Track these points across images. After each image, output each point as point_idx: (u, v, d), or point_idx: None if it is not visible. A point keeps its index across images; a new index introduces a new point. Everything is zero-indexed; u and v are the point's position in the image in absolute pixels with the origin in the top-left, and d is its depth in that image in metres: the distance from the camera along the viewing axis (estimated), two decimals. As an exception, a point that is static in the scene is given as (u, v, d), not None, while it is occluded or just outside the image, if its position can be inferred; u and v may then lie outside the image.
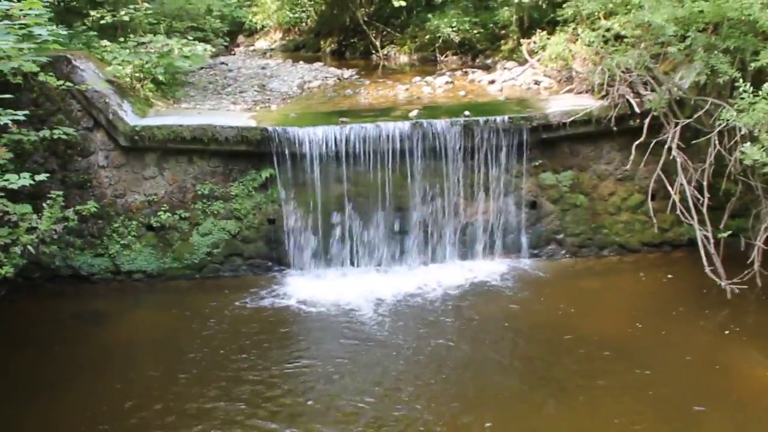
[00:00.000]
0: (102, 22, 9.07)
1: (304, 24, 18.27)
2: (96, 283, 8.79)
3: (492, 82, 10.96)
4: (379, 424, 5.87)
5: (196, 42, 9.09)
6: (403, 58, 14.66)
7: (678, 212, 8.04)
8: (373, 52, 15.18)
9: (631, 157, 8.33)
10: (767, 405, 6.01)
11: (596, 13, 9.04)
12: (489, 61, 12.81)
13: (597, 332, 7.28)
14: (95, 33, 9.19)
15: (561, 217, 9.03)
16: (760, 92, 6.86)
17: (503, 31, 12.50)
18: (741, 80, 7.02)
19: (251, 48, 19.32)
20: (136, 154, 8.66)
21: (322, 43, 17.02)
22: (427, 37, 13.77)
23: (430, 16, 13.30)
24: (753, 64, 7.35)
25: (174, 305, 8.36)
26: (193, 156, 8.69)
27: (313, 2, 16.95)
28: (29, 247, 7.02)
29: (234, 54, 16.64)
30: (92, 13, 9.16)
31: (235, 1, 14.75)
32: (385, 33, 15.28)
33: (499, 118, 8.50)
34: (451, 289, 8.35)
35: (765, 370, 6.49)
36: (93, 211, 8.24)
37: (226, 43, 14.45)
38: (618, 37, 8.93)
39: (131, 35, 9.04)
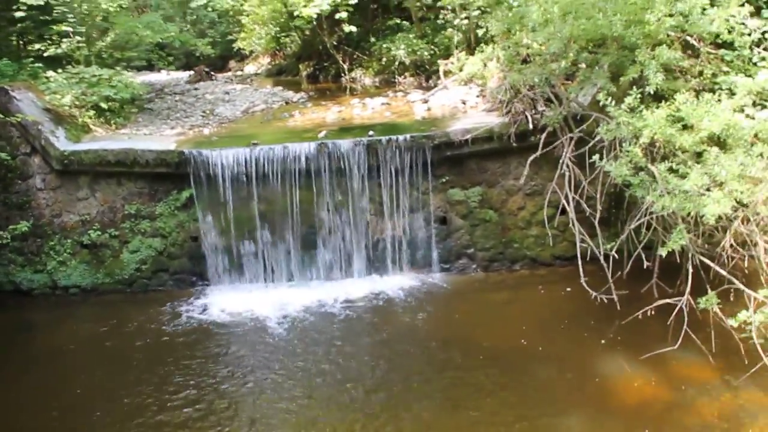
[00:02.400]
0: (46, 54, 9.81)
1: (288, 49, 18.95)
2: (36, 297, 9.49)
3: (425, 101, 11.33)
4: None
5: (124, 72, 9.76)
6: (368, 80, 15.17)
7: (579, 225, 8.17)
8: (342, 75, 15.72)
9: (525, 172, 8.62)
10: (627, 412, 6.20)
11: (502, 34, 9.33)
12: (439, 81, 13.18)
13: (490, 343, 7.54)
14: (40, 65, 9.95)
15: (471, 232, 9.32)
16: (621, 106, 7.07)
17: (451, 52, 12.85)
18: (606, 95, 7.21)
19: (238, 72, 20.10)
20: (70, 176, 9.36)
21: (300, 67, 17.67)
22: (384, 60, 14.24)
23: (387, 40, 13.77)
24: (621, 78, 7.57)
25: (105, 317, 8.94)
26: (122, 178, 9.34)
27: (295, 28, 17.59)
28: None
29: (214, 79, 17.38)
30: (36, 45, 9.93)
31: (183, 30, 15.40)
32: (355, 57, 15.81)
33: (401, 137, 8.90)
34: (357, 302, 8.73)
35: (629, 380, 6.64)
36: (25, 231, 8.95)
37: (171, 69, 15.18)
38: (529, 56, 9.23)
39: (71, 66, 9.77)
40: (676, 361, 6.73)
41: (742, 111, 6.79)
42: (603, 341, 7.42)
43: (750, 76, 7.47)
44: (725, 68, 8.12)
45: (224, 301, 8.93)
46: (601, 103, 7.10)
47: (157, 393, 6.91)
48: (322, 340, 7.87)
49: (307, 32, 17.74)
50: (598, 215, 8.05)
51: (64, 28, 9.80)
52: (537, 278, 9.22)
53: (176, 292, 9.36)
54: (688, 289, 6.47)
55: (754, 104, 7.28)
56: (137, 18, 11.26)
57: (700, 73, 8.33)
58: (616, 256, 7.50)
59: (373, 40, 15.15)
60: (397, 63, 14.06)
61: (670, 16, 7.44)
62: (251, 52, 20.98)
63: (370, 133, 9.06)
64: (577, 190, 8.28)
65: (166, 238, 9.35)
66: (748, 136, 6.26)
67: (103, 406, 6.77)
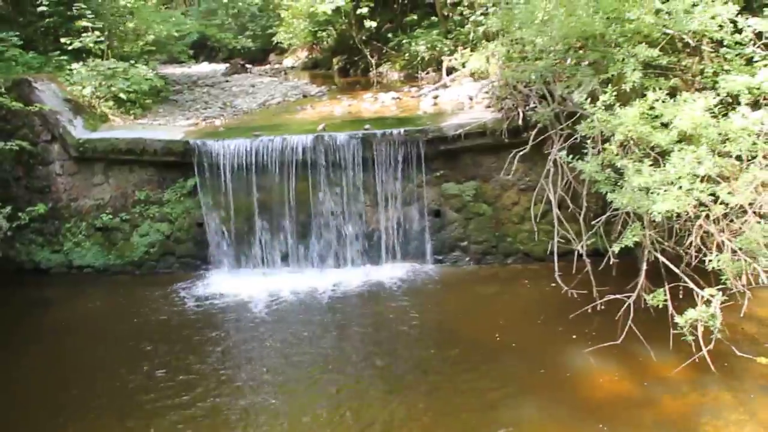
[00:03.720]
0: (70, 48, 10.43)
1: (325, 43, 19.34)
2: (53, 275, 10.12)
3: (436, 97, 11.52)
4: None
5: (140, 65, 10.28)
6: (394, 75, 15.42)
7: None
8: (371, 69, 16.02)
9: (513, 167, 8.73)
10: (579, 400, 6.34)
11: (500, 31, 9.46)
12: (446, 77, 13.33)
13: (470, 333, 7.72)
14: (65, 58, 10.56)
15: (464, 226, 9.49)
16: (597, 104, 7.16)
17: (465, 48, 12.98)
18: (582, 92, 7.31)
19: (276, 65, 20.61)
20: (86, 163, 9.93)
21: (334, 61, 18.03)
22: (407, 55, 14.46)
23: (407, 36, 14.01)
24: (600, 76, 7.63)
25: (114, 295, 9.50)
26: (133, 166, 9.87)
27: (328, 23, 17.96)
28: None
29: (249, 72, 17.90)
30: (62, 39, 10.55)
31: (225, 24, 15.91)
32: (384, 52, 16.08)
33: (395, 131, 9.13)
34: (348, 289, 9.01)
35: (591, 372, 6.73)
36: (42, 213, 9.56)
37: (192, 62, 15.68)
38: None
39: (91, 59, 10.35)
40: (633, 356, 6.80)
41: (727, 110, 6.77)
42: (574, 336, 7.50)
43: (753, 74, 7.40)
44: (727, 67, 8.07)
45: (224, 285, 9.32)
46: (576, 100, 7.19)
47: (153, 363, 7.39)
48: (309, 321, 8.21)
49: (343, 27, 18.11)
50: (583, 212, 8.11)
51: (84, 23, 10.38)
52: (528, 273, 9.30)
53: (181, 274, 9.83)
54: (640, 286, 6.53)
55: (757, 104, 7.25)
56: (156, 13, 11.73)
57: (701, 72, 8.32)
58: (581, 251, 7.55)
59: (400, 35, 15.36)
60: (419, 58, 14.26)
61: (657, 13, 7.47)
62: (290, 45, 21.45)
63: (366, 126, 9.32)
64: (566, 187, 8.37)
65: (173, 224, 9.83)
66: (713, 135, 6.28)
67: (102, 374, 7.27)
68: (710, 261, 5.94)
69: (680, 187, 5.67)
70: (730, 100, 7.30)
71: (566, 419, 6.10)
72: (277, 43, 20.94)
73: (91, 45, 10.28)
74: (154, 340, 7.96)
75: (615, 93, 7.16)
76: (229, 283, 9.38)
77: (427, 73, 14.44)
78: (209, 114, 11.53)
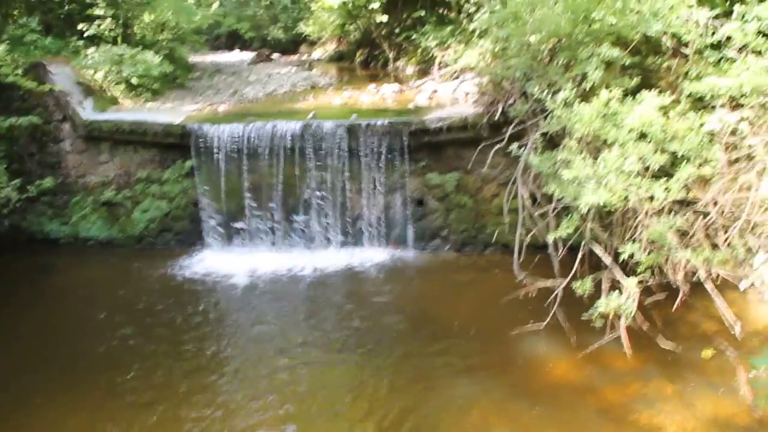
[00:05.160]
0: (86, 34, 11.09)
1: (352, 36, 19.74)
2: (61, 246, 10.78)
3: (435, 91, 11.83)
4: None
5: (147, 51, 10.88)
6: (409, 70, 15.72)
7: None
8: (389, 63, 16.41)
9: (494, 161, 9.02)
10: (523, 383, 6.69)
11: (488, 28, 9.71)
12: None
13: (440, 317, 8.08)
14: (81, 43, 11.23)
15: (446, 215, 9.82)
16: (556, 101, 7.42)
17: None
18: (540, 89, 7.58)
19: (304, 57, 21.11)
20: (94, 142, 10.57)
21: (357, 54, 18.46)
22: (420, 50, 14.78)
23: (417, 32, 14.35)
24: (566, 75, 7.86)
25: (113, 266, 10.13)
26: (137, 146, 10.47)
27: (351, 16, 18.35)
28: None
29: (273, 61, 18.43)
30: (79, 26, 11.22)
31: (257, 15, 16.42)
32: (402, 47, 16.42)
33: (379, 122, 9.51)
34: (328, 270, 9.46)
35: (546, 363, 7.00)
36: (49, 187, 10.24)
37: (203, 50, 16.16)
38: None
39: (102, 45, 11.00)
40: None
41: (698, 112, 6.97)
42: (531, 321, 7.75)
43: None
44: (695, 69, 8.21)
45: (213, 261, 9.86)
46: (535, 96, 7.46)
47: (143, 328, 8.01)
48: (289, 297, 8.75)
49: (372, 20, 18.47)
50: (552, 206, 8.35)
51: (97, 12, 11.03)
52: (504, 263, 9.47)
53: (177, 250, 10.37)
54: (572, 275, 6.81)
55: (737, 105, 7.40)
56: (172, 3, 12.30)
57: (686, 74, 8.47)
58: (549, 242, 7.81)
59: (411, 31, 15.67)
60: (430, 54, 14.55)
61: (623, 13, 7.66)
62: (319, 37, 21.91)
63: (353, 116, 9.71)
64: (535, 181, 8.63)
65: (172, 202, 10.39)
66: (657, 133, 6.49)
67: (94, 337, 7.90)
68: (622, 252, 6.18)
69: (606, 183, 5.92)
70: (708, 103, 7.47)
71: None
72: (307, 35, 21.44)
73: (105, 32, 10.91)
74: (143, 306, 8.59)
75: (580, 91, 7.39)
76: (219, 260, 9.91)
77: (439, 68, 14.71)
78: (216, 100, 12.06)
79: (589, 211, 6.47)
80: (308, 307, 8.49)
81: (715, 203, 6.86)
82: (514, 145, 7.97)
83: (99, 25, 11.10)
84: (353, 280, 9.20)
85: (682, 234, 6.55)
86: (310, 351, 7.45)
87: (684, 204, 6.72)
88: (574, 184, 6.34)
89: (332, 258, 9.75)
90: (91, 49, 11.24)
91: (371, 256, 9.80)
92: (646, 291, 6.86)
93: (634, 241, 6.40)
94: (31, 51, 10.53)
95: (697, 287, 6.69)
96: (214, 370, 7.07)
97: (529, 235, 8.24)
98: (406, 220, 9.91)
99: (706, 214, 6.71)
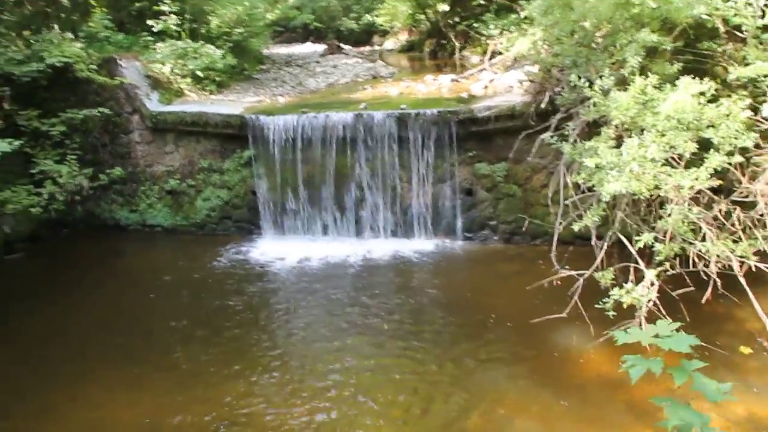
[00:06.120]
0: (155, 30, 11.67)
1: (422, 26, 19.83)
2: (130, 232, 11.44)
3: (491, 80, 11.81)
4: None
5: (209, 45, 11.34)
6: (475, 59, 15.69)
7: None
8: (455, 53, 16.45)
9: (536, 150, 8.95)
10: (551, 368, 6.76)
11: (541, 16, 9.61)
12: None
13: (485, 306, 8.17)
14: (151, 39, 11.81)
15: (495, 205, 9.84)
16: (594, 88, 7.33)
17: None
18: (578, 76, 7.50)
19: (376, 47, 21.33)
20: (160, 133, 11.13)
21: (426, 44, 18.56)
22: (484, 39, 14.73)
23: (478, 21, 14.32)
24: (607, 61, 7.73)
25: (177, 250, 10.73)
26: (199, 137, 10.95)
27: (420, 6, 18.44)
28: (58, 197, 9.79)
29: (344, 53, 18.70)
30: (148, 22, 11.81)
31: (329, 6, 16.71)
32: (469, 35, 16.41)
33: (428, 111, 9.61)
34: (378, 259, 9.69)
35: (580, 355, 6.98)
36: (118, 175, 10.87)
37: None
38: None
39: (167, 40, 11.54)
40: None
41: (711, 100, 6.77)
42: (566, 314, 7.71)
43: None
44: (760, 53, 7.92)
45: (268, 247, 10.28)
46: (572, 84, 7.40)
47: (202, 309, 8.48)
48: (340, 283, 9.03)
49: (436, 9, 18.53)
50: (595, 196, 8.24)
51: (162, 8, 11.59)
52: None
53: (236, 237, 10.84)
54: (596, 265, 6.74)
55: None
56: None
57: (743, 59, 8.20)
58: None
59: (473, 20, 15.64)
60: (493, 43, 14.49)
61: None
62: (392, 28, 22.08)
63: (402, 106, 9.84)
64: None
65: (231, 190, 10.83)
66: (690, 119, 6.34)
67: (153, 315, 8.49)
68: (637, 241, 6.08)
69: (631, 170, 5.83)
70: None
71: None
72: (379, 25, 21.65)
73: (172, 27, 11.46)
74: (202, 288, 9.10)
75: (619, 78, 7.27)
76: (274, 246, 10.29)
77: (492, 57, 14.63)
78: (278, 92, 12.44)
79: (615, 198, 6.38)
80: (358, 293, 8.69)
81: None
82: (547, 134, 7.87)
83: (166, 21, 11.63)
84: (403, 270, 9.36)
85: (715, 225, 6.38)
86: (355, 336, 7.66)
87: (716, 192, 6.54)
88: (602, 173, 6.27)
89: (383, 247, 9.95)
90: (159, 44, 11.79)
91: (420, 245, 9.94)
92: (675, 282, 6.73)
93: (654, 230, 6.26)
94: (105, 47, 11.16)
95: (728, 278, 6.47)
96: (281, 346, 7.52)
97: (577, 226, 8.15)
98: (455, 210, 9.98)
99: (741, 204, 6.50)
